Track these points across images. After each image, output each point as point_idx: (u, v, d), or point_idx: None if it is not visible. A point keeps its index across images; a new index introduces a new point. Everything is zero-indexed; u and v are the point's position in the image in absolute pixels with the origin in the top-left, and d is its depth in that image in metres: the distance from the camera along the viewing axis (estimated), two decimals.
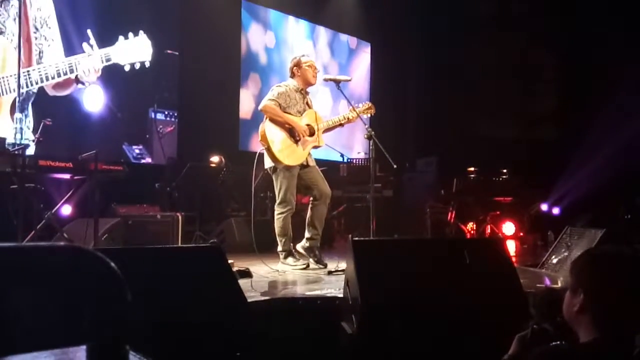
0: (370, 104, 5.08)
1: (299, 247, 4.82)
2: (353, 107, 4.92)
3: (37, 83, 3.03)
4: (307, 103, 4.96)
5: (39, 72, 3.02)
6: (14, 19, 3.09)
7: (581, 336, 1.55)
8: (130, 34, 3.01)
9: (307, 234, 4.80)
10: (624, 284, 1.51)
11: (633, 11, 8.93)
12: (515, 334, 1.90)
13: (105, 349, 0.75)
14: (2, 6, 3.20)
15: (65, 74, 3.00)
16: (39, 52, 3.24)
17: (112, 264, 0.79)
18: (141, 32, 3.06)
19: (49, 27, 3.31)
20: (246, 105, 8.82)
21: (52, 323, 0.73)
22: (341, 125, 5.02)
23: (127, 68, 3.05)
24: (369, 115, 5.08)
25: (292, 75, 4.94)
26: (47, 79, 3.02)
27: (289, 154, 4.72)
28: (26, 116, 3.30)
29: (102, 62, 3.02)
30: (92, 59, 2.96)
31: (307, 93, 4.99)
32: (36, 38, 3.26)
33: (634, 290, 1.51)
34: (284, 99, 4.80)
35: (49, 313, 0.72)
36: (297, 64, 4.92)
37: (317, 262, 4.73)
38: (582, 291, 1.54)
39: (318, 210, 4.81)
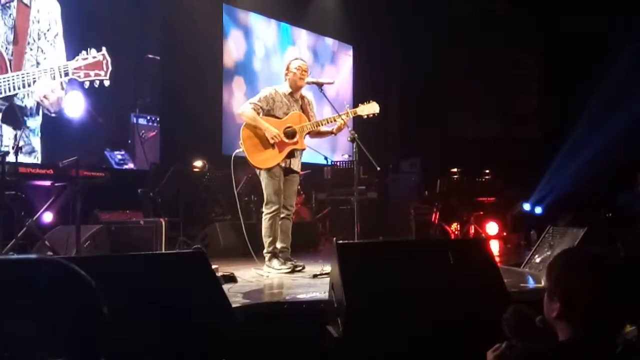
0: (373, 102, 4.85)
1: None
2: (348, 111, 4.76)
3: (6, 92, 3.02)
4: (302, 107, 4.93)
5: (8, 82, 3.02)
6: (10, 28, 3.08)
7: (561, 336, 1.57)
8: (93, 50, 2.99)
9: (277, 246, 4.82)
10: (598, 289, 1.52)
11: (614, 10, 9.04)
12: (499, 334, 1.91)
13: None
14: (0, 15, 3.19)
15: (30, 84, 3.00)
16: (37, 64, 3.23)
17: (87, 277, 0.78)
18: (104, 48, 3.05)
19: (47, 40, 3.31)
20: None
21: (27, 337, 0.71)
22: (332, 133, 4.91)
23: (86, 85, 3.06)
24: (373, 115, 4.85)
25: (286, 78, 4.94)
26: (15, 88, 3.02)
27: (262, 156, 4.74)
28: (25, 125, 3.30)
29: (61, 77, 3.02)
30: (49, 78, 2.95)
31: (301, 96, 4.96)
32: (31, 49, 3.26)
33: (608, 293, 1.51)
34: (266, 102, 4.80)
35: (23, 327, 0.71)
36: (287, 67, 4.93)
37: (295, 267, 4.75)
38: (558, 299, 1.55)
39: (284, 225, 4.84)
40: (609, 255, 1.59)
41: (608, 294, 1.51)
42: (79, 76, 3.00)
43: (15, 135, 4.43)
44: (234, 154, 4.88)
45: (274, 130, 4.71)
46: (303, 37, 10.52)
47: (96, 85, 3.02)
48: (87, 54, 2.94)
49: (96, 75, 2.99)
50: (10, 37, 3.03)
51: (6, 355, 0.74)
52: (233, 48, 9.21)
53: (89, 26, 6.33)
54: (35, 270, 0.75)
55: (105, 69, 2.98)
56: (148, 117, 7.67)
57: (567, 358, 1.51)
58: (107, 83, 3.03)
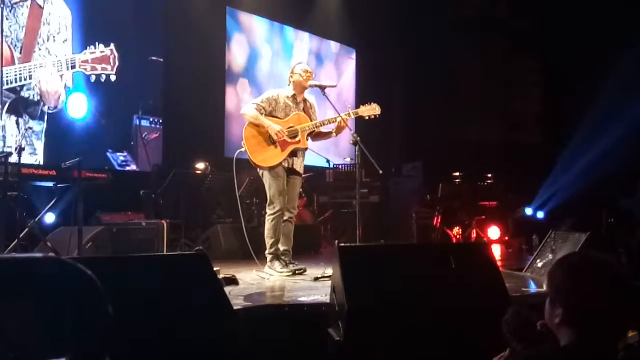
0: (374, 104, 4.88)
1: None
2: (350, 111, 4.78)
3: (11, 84, 3.06)
4: (304, 110, 4.95)
5: (15, 73, 3.05)
6: (21, 27, 3.11)
7: (562, 342, 1.56)
8: (101, 45, 3.03)
9: (280, 248, 4.82)
10: (602, 295, 1.50)
11: (616, 13, 9.04)
12: (500, 338, 1.91)
13: None
14: (12, 12, 3.22)
15: (25, 79, 3.04)
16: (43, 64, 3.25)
17: (93, 275, 0.78)
18: (112, 44, 3.09)
19: (55, 43, 3.35)
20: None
21: (31, 336, 0.71)
22: (333, 134, 4.94)
23: (92, 78, 3.10)
24: (374, 116, 4.87)
25: (290, 81, 4.97)
26: (20, 80, 3.05)
27: (264, 155, 4.76)
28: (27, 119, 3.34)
29: (68, 69, 3.07)
30: (51, 68, 2.99)
31: (304, 99, 4.98)
32: (39, 49, 3.29)
33: (613, 299, 1.50)
34: (268, 103, 4.84)
35: (27, 326, 0.71)
36: (292, 71, 4.97)
37: (296, 270, 4.76)
38: (561, 305, 1.54)
39: (286, 227, 4.85)
40: (611, 261, 1.58)
41: (611, 299, 1.50)
42: (85, 69, 3.04)
43: (18, 128, 4.44)
44: (235, 154, 4.88)
45: (277, 126, 4.73)
46: (306, 40, 10.54)
47: (102, 80, 3.06)
48: (95, 48, 2.98)
49: (103, 69, 3.02)
50: (21, 35, 3.07)
51: (10, 356, 0.74)
52: (236, 50, 9.23)
53: (92, 28, 6.35)
54: (39, 269, 0.75)
55: (112, 63, 3.02)
56: (151, 119, 7.69)
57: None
58: (113, 78, 3.07)
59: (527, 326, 1.80)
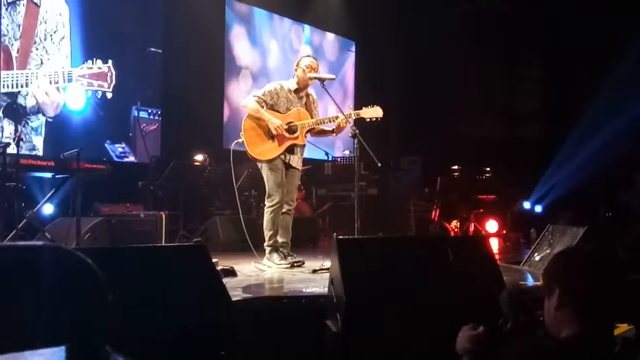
0: (377, 107, 4.82)
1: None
2: (351, 112, 4.73)
3: (9, 88, 3.06)
4: (306, 104, 4.92)
5: (12, 79, 3.06)
6: (18, 26, 3.11)
7: (562, 333, 1.56)
8: (99, 61, 3.03)
9: (278, 240, 4.83)
10: (596, 276, 1.53)
11: (617, 11, 9.03)
12: (497, 330, 1.91)
13: (85, 349, 0.74)
14: (9, 11, 3.22)
15: (22, 86, 3.05)
16: (41, 64, 3.25)
17: (93, 264, 0.78)
18: (110, 61, 3.10)
19: (52, 42, 3.35)
20: None
21: (30, 323, 0.72)
22: (332, 133, 4.92)
23: (89, 93, 3.12)
24: (375, 119, 4.80)
25: (294, 74, 4.94)
26: (18, 86, 3.07)
27: (261, 148, 4.74)
28: (26, 123, 3.35)
29: (65, 82, 3.08)
30: (47, 85, 3.00)
31: (307, 94, 4.96)
32: (37, 49, 3.29)
33: (606, 284, 1.52)
34: (270, 97, 4.80)
35: (27, 313, 0.71)
36: (297, 64, 4.92)
37: (295, 262, 4.76)
38: (557, 287, 1.55)
39: (284, 220, 4.84)
40: (608, 252, 1.60)
41: (606, 284, 1.51)
42: (82, 84, 3.04)
43: (16, 127, 4.44)
44: (232, 145, 4.86)
45: (277, 120, 4.71)
46: (306, 32, 10.51)
47: (98, 96, 3.07)
48: (93, 63, 2.99)
49: (99, 85, 3.04)
50: (18, 34, 3.07)
51: (7, 345, 0.74)
52: (236, 42, 9.21)
53: (91, 21, 6.33)
54: (40, 257, 0.75)
55: (109, 81, 3.03)
56: (149, 111, 7.68)
57: (568, 355, 1.51)
58: (109, 95, 3.09)
59: (523, 302, 1.82)
